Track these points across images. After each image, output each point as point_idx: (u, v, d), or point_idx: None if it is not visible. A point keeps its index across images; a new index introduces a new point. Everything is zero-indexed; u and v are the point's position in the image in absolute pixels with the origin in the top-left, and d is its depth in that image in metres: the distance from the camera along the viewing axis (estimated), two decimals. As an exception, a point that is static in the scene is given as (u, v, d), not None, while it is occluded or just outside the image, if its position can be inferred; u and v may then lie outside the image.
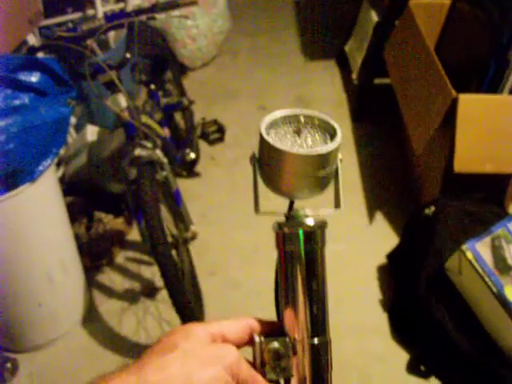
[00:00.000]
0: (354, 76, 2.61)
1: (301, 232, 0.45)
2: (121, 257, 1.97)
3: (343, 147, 0.45)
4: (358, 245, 1.96)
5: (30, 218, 1.47)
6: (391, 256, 1.85)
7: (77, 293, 1.74)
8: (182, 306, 1.43)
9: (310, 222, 0.45)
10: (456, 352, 1.47)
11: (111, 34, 2.24)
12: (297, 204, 0.47)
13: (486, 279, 1.42)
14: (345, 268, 1.80)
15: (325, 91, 2.79)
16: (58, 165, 2.05)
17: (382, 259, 1.87)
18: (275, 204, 0.48)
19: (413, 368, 1.57)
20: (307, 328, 0.45)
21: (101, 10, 2.17)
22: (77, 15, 2.18)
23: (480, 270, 1.42)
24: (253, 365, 0.44)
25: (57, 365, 1.64)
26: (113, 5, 2.28)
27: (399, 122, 2.19)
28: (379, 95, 2.45)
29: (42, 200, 1.49)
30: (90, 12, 2.19)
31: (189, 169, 2.22)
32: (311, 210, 0.47)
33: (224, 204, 2.18)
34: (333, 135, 0.45)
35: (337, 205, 0.48)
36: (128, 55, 1.49)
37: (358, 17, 2.70)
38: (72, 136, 2.15)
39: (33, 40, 1.82)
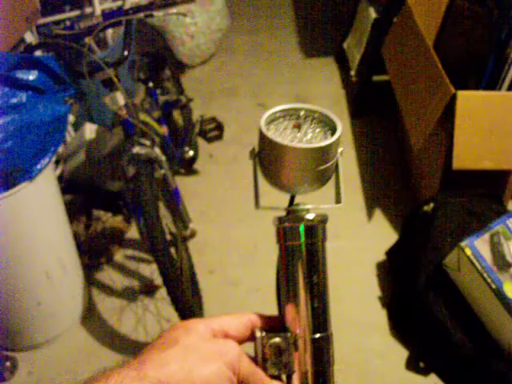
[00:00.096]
0: (353, 73, 2.61)
1: (302, 226, 0.44)
2: (120, 255, 1.96)
3: (341, 144, 0.44)
4: (357, 241, 1.96)
5: (28, 217, 1.46)
6: (390, 252, 1.85)
7: (76, 291, 1.74)
8: (180, 303, 1.43)
9: (310, 216, 0.45)
10: (455, 349, 1.48)
11: (109, 32, 2.24)
12: (297, 199, 0.47)
13: (485, 276, 1.42)
14: (344, 264, 1.81)
15: (323, 88, 2.79)
16: (57, 163, 2.04)
17: (380, 256, 1.87)
18: (275, 201, 0.48)
19: (412, 364, 1.58)
20: (309, 323, 0.45)
21: (98, 7, 2.16)
22: (74, 13, 2.18)
23: (479, 267, 1.42)
24: (254, 360, 0.44)
25: (56, 363, 1.64)
26: (110, 2, 2.27)
27: (398, 119, 2.19)
28: (378, 92, 2.45)
29: (41, 198, 1.48)
30: (88, 10, 2.19)
31: (187, 166, 2.22)
32: (312, 205, 0.46)
33: (223, 201, 2.18)
34: (333, 129, 0.45)
35: (338, 200, 0.48)
36: (126, 53, 1.48)
37: (356, 14, 2.70)
38: (70, 134, 2.14)
39: (30, 38, 1.82)
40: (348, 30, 2.78)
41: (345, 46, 2.81)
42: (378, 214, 2.06)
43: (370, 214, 2.06)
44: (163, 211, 1.63)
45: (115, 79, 1.44)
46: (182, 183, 2.10)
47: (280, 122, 0.46)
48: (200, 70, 2.98)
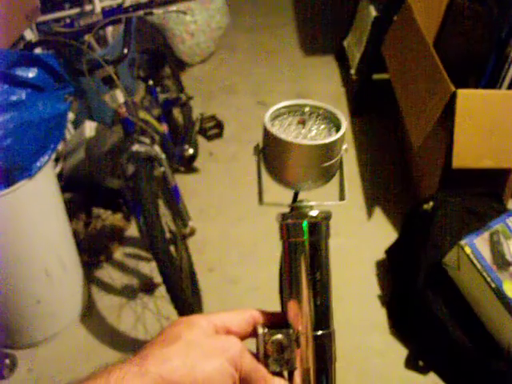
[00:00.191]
0: (353, 71, 2.61)
1: (305, 223, 0.44)
2: (119, 253, 1.96)
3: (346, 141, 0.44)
4: (357, 240, 1.96)
5: (27, 215, 1.46)
6: (390, 251, 1.85)
7: (75, 289, 1.73)
8: (180, 301, 1.43)
9: (314, 213, 0.45)
10: (454, 347, 1.48)
11: (109, 30, 2.23)
12: (301, 195, 0.47)
13: (485, 274, 1.42)
14: (343, 263, 1.80)
15: (323, 86, 2.79)
16: (56, 161, 2.04)
17: (380, 254, 1.87)
18: (278, 197, 0.48)
19: (411, 363, 1.58)
20: (311, 320, 0.45)
21: (98, 5, 2.15)
22: (74, 11, 2.17)
23: (478, 266, 1.42)
24: (256, 357, 0.44)
25: (55, 361, 1.63)
26: (110, 0, 2.27)
27: (398, 117, 2.19)
28: (378, 90, 2.45)
29: (40, 196, 1.48)
30: (88, 7, 2.18)
31: (187, 164, 2.22)
32: (316, 202, 0.46)
33: (222, 200, 2.18)
34: (337, 126, 0.45)
35: (342, 197, 0.48)
36: (126, 51, 1.48)
37: (356, 12, 2.70)
38: (70, 132, 2.14)
39: (30, 35, 1.81)
40: (348, 29, 2.78)
41: (345, 44, 2.81)
42: (378, 212, 2.06)
43: (369, 213, 2.06)
44: (163, 209, 1.63)
45: (115, 77, 1.44)
46: (182, 181, 2.10)
47: (284, 118, 0.45)
48: (200, 68, 2.98)
